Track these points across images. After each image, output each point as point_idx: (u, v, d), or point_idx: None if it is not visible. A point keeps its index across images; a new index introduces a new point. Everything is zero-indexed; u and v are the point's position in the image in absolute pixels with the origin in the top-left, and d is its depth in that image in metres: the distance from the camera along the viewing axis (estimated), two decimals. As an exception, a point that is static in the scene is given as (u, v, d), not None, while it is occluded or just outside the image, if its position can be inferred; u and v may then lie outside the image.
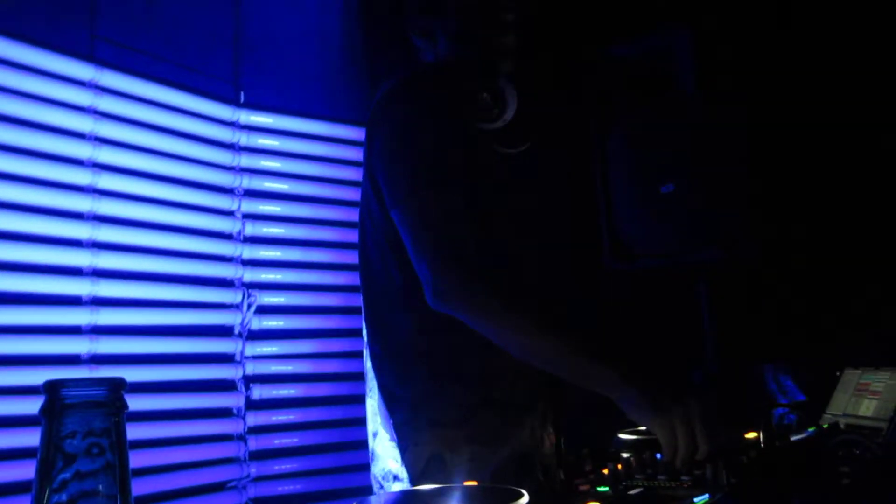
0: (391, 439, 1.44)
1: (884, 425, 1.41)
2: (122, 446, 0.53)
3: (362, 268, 1.49)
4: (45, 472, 0.51)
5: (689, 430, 1.18)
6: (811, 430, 1.35)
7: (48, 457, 0.51)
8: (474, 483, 1.13)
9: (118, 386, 0.54)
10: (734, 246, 1.85)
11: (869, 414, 1.48)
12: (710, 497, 1.00)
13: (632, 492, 1.05)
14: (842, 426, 1.47)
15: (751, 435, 1.31)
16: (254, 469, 1.92)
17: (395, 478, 1.42)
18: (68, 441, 0.51)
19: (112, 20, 1.77)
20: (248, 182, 2.02)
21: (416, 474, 1.40)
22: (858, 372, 1.60)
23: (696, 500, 0.99)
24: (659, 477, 1.14)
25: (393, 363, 1.43)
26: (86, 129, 1.72)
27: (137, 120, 1.83)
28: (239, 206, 2.01)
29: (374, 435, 1.48)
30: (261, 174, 2.06)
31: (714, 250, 1.87)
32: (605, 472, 1.17)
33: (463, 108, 1.41)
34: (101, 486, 0.52)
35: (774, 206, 1.93)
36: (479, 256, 1.30)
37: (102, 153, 1.74)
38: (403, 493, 1.26)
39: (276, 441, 1.99)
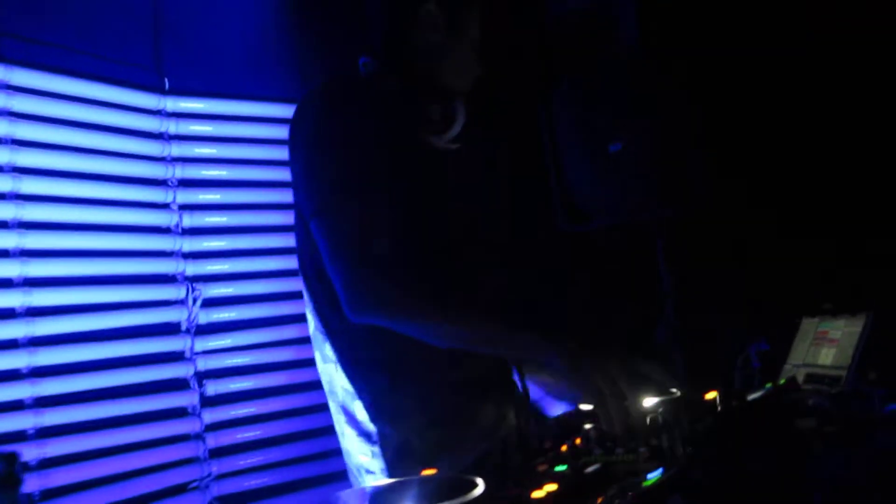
0: (358, 435, 1.41)
1: (843, 374, 1.40)
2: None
3: (302, 272, 1.44)
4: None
5: (615, 391, 1.14)
6: (768, 386, 1.33)
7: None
8: (433, 471, 1.09)
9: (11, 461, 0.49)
10: (687, 201, 1.81)
11: (828, 363, 1.46)
12: (663, 471, 0.96)
13: (589, 469, 1.01)
14: (802, 377, 1.46)
15: (710, 395, 1.28)
16: (215, 467, 1.87)
17: (368, 471, 1.40)
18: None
19: (16, 13, 1.66)
20: (181, 172, 1.94)
21: (388, 464, 1.38)
22: (816, 320, 1.58)
23: (648, 475, 0.95)
24: (617, 450, 1.10)
25: (346, 366, 1.40)
26: (1, 133, 1.63)
27: (56, 118, 1.73)
28: (174, 198, 1.92)
29: (342, 434, 1.45)
30: (195, 162, 1.97)
31: (667, 207, 1.84)
32: (564, 448, 1.14)
33: (394, 113, 1.36)
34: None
35: (724, 158, 1.89)
36: (396, 261, 1.26)
37: (21, 157, 1.65)
38: (353, 491, 1.23)
39: (239, 435, 1.94)
